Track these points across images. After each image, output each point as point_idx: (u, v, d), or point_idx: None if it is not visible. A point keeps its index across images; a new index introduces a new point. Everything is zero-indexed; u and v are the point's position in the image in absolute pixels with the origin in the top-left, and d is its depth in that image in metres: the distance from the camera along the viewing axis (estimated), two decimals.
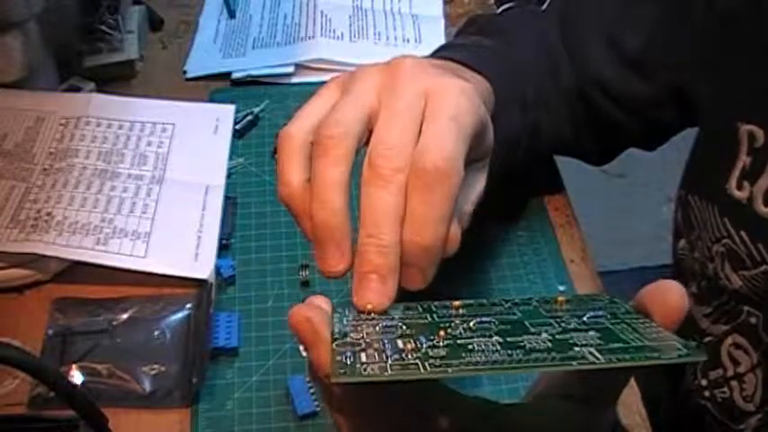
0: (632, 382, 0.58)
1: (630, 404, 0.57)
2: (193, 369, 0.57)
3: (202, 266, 0.62)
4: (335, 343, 0.34)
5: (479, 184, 0.45)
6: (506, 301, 0.38)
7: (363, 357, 0.32)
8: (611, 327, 0.35)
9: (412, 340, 0.34)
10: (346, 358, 0.32)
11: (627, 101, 0.64)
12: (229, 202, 0.68)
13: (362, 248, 0.36)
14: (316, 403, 0.56)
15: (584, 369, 0.32)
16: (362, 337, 0.34)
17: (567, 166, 0.72)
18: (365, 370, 0.31)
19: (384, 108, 0.38)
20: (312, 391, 0.57)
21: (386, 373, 0.31)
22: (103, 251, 0.62)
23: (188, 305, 0.61)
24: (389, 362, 0.32)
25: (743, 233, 0.55)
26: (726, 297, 0.58)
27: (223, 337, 0.59)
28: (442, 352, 0.33)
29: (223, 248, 0.65)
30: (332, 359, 0.32)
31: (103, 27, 0.81)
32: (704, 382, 0.63)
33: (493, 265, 0.65)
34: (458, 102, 0.38)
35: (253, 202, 0.70)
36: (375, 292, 0.36)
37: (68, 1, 0.80)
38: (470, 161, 0.43)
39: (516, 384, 0.58)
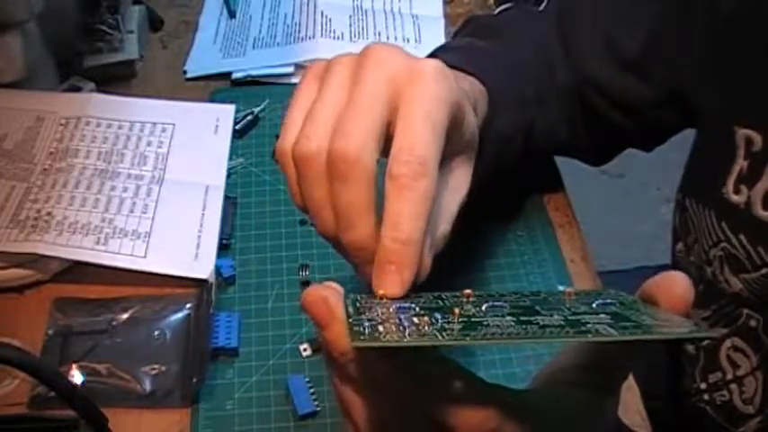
0: (633, 382, 0.58)
1: (631, 404, 0.57)
2: (193, 369, 0.57)
3: (202, 266, 0.62)
4: (351, 319, 0.34)
5: (461, 187, 0.44)
6: (515, 293, 0.39)
7: (381, 329, 0.33)
8: (620, 312, 0.35)
9: (427, 317, 0.34)
10: (364, 328, 0.33)
11: (624, 102, 0.64)
12: (229, 202, 0.68)
13: (342, 244, 0.38)
14: (316, 403, 0.56)
15: (599, 341, 0.32)
16: (377, 315, 0.35)
17: (567, 166, 0.72)
18: (384, 337, 0.32)
19: (349, 101, 0.38)
20: (312, 390, 0.57)
21: (404, 339, 0.32)
22: (103, 251, 0.62)
23: (188, 305, 0.61)
24: (407, 332, 0.32)
25: (741, 236, 0.55)
26: (725, 300, 0.58)
27: (223, 337, 0.59)
28: (458, 326, 0.33)
29: (223, 248, 0.65)
30: (349, 330, 0.33)
31: (103, 27, 0.81)
32: (703, 386, 0.63)
33: (493, 265, 0.65)
34: (430, 92, 0.38)
35: (253, 202, 0.70)
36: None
37: (68, 1, 0.80)
38: (451, 154, 0.42)
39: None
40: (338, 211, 0.37)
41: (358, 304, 0.36)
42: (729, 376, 0.60)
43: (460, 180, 0.44)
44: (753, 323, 0.57)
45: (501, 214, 0.68)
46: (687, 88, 0.61)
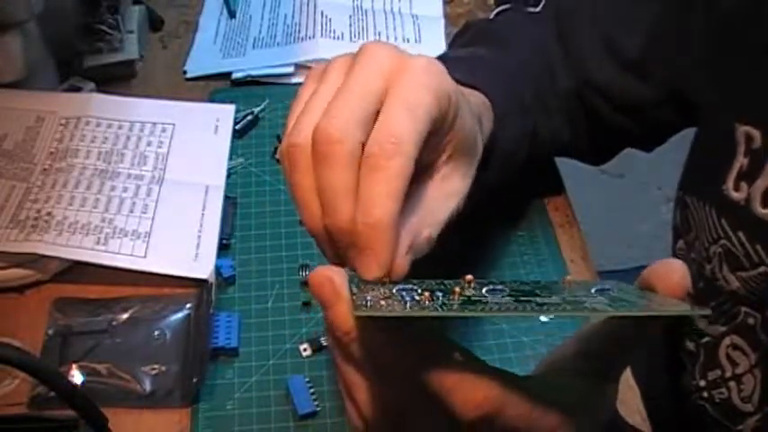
0: (633, 382, 0.58)
1: (631, 404, 0.57)
2: (193, 369, 0.57)
3: (202, 266, 0.62)
4: (354, 296, 0.34)
5: (455, 195, 0.43)
6: (515, 281, 0.39)
7: (383, 302, 0.33)
8: (618, 296, 0.36)
9: (428, 293, 0.35)
10: (367, 302, 0.33)
11: (625, 103, 0.64)
12: (229, 202, 0.68)
13: (326, 234, 0.38)
14: (316, 403, 0.56)
15: (597, 315, 0.33)
16: (380, 293, 0.35)
17: (567, 167, 0.72)
18: (386, 308, 0.33)
19: (339, 90, 0.38)
20: (312, 390, 0.57)
21: (406, 310, 0.32)
22: (103, 251, 0.62)
23: (188, 305, 0.61)
24: (408, 305, 0.33)
25: (740, 234, 0.55)
26: (723, 298, 0.58)
27: (223, 337, 0.59)
28: (458, 303, 0.34)
29: (223, 248, 0.65)
30: (353, 304, 0.33)
31: (103, 27, 0.81)
32: (702, 383, 0.63)
33: (493, 265, 0.65)
34: (415, 81, 0.38)
35: (253, 202, 0.70)
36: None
37: (68, 1, 0.80)
38: (444, 156, 0.42)
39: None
40: (321, 195, 0.37)
41: (362, 285, 0.36)
42: (728, 374, 0.60)
43: (454, 187, 0.43)
44: (751, 321, 0.57)
45: (501, 215, 0.68)
46: (687, 87, 0.61)
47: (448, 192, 0.43)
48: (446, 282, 0.38)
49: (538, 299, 0.34)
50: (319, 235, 0.38)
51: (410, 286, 0.36)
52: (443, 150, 0.42)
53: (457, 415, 0.34)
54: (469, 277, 0.37)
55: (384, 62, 0.38)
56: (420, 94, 0.37)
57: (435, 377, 0.34)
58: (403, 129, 0.36)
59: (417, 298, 0.34)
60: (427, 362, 0.34)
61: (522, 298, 0.34)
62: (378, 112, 0.37)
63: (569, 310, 0.33)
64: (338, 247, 0.38)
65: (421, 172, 0.40)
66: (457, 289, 0.35)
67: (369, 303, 0.33)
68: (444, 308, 0.33)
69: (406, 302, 0.34)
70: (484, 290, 0.36)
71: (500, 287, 0.36)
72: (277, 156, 0.42)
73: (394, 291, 0.36)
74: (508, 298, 0.34)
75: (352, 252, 0.37)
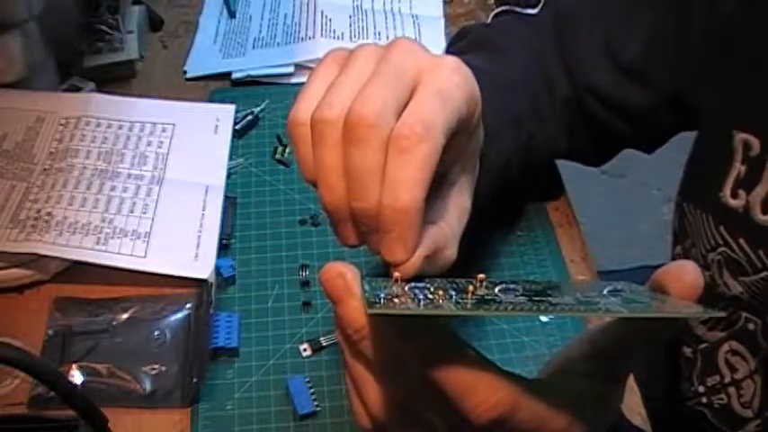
0: (633, 383, 0.58)
1: (631, 405, 0.57)
2: (193, 369, 0.57)
3: (202, 266, 0.62)
4: (367, 294, 0.34)
5: (466, 212, 0.43)
6: (527, 280, 0.39)
7: (396, 300, 0.33)
8: (630, 297, 0.36)
9: (442, 291, 0.35)
10: (379, 299, 0.33)
11: (624, 109, 0.63)
12: (229, 202, 0.68)
13: (347, 215, 0.37)
14: (316, 403, 0.56)
15: (611, 316, 0.33)
16: (393, 291, 0.35)
17: (567, 167, 0.72)
18: (399, 306, 0.32)
19: (373, 74, 0.38)
20: (312, 390, 0.57)
21: (419, 308, 0.32)
22: (103, 251, 0.62)
23: (188, 305, 0.61)
24: (422, 303, 0.33)
25: (741, 241, 0.55)
26: (724, 304, 0.58)
27: (223, 337, 0.59)
28: (472, 301, 0.34)
29: (223, 248, 0.65)
30: (365, 300, 0.33)
31: (103, 27, 0.81)
32: (701, 389, 0.62)
33: (493, 265, 0.65)
34: (448, 77, 0.38)
35: (253, 202, 0.70)
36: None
37: (68, 1, 0.80)
38: (459, 168, 0.42)
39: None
40: (350, 177, 0.36)
41: (374, 284, 0.36)
42: (727, 380, 0.60)
43: (466, 203, 0.44)
44: (751, 327, 0.57)
45: (502, 217, 0.68)
46: (686, 90, 0.60)
47: (461, 206, 0.43)
48: (458, 280, 0.38)
49: (551, 298, 0.34)
50: (340, 214, 0.38)
51: (422, 284, 0.36)
52: (461, 158, 0.42)
53: (469, 417, 0.34)
54: (482, 276, 0.37)
55: (418, 56, 0.39)
56: (450, 90, 0.38)
57: (448, 378, 0.34)
58: (434, 114, 0.36)
59: (431, 296, 0.34)
60: (440, 362, 0.34)
61: (536, 297, 0.34)
62: (407, 104, 0.37)
63: (583, 311, 0.33)
64: (361, 230, 0.38)
65: (438, 178, 0.39)
66: (470, 288, 0.35)
67: (383, 300, 0.33)
68: (459, 306, 0.33)
69: (419, 300, 0.33)
70: (496, 289, 0.36)
71: (512, 286, 0.36)
72: (287, 123, 0.41)
73: (406, 289, 0.36)
74: (522, 297, 0.34)
75: (375, 236, 0.37)
